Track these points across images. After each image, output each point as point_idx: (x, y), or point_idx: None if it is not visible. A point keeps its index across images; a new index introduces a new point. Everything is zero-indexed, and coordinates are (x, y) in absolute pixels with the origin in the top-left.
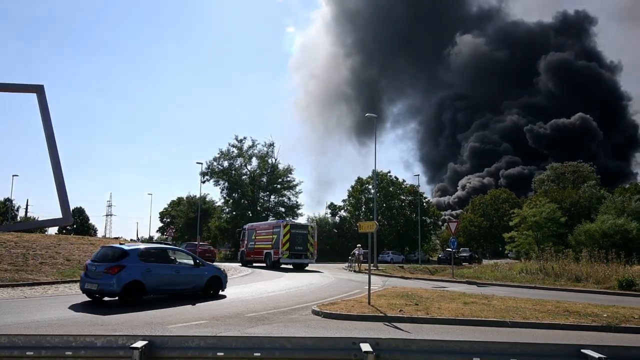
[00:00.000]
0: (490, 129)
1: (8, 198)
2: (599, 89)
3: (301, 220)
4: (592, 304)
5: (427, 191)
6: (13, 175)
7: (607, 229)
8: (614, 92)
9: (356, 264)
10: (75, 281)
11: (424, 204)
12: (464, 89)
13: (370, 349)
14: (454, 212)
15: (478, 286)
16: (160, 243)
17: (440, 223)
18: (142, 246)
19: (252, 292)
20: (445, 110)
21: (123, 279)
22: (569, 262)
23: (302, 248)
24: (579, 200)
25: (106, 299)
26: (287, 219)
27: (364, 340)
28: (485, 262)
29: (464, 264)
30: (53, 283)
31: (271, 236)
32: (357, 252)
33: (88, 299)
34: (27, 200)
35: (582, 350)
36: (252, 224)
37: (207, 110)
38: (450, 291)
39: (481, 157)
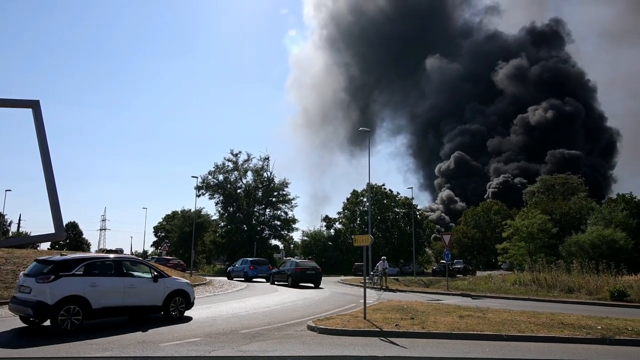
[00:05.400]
0: (465, 136)
1: (0, 213)
2: (565, 85)
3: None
4: (585, 315)
5: (427, 202)
6: (6, 190)
7: (594, 240)
8: (583, 87)
9: (382, 279)
10: None
11: (418, 216)
12: (436, 109)
13: None
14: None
15: (472, 298)
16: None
17: (430, 239)
18: None
19: (247, 308)
20: (426, 129)
21: None
22: (561, 273)
23: None
24: (569, 212)
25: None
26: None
27: (360, 358)
28: (479, 273)
29: (458, 275)
30: None
31: None
32: (380, 266)
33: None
34: (20, 215)
35: None
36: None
37: (202, 126)
38: (445, 304)
39: (464, 162)
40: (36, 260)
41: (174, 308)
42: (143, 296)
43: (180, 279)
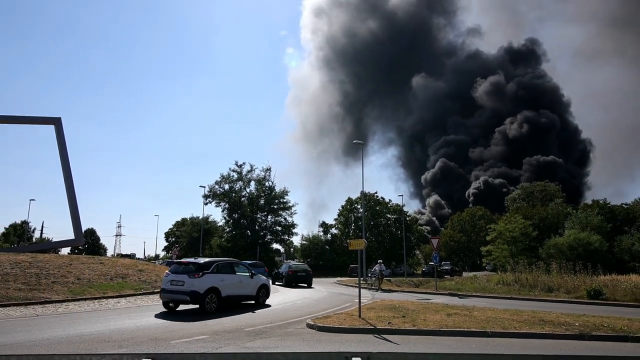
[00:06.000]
0: (450, 148)
1: (25, 220)
2: (541, 99)
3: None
4: (564, 313)
5: (417, 208)
6: (30, 200)
7: (571, 242)
8: (558, 101)
9: (378, 281)
10: (85, 299)
11: (408, 221)
12: (422, 123)
13: None
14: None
15: (459, 298)
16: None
17: (419, 242)
18: None
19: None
20: (412, 142)
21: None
22: (541, 274)
23: None
24: (547, 217)
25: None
26: None
27: (356, 354)
28: (465, 274)
29: (445, 276)
30: (64, 301)
31: None
32: (377, 268)
33: (96, 317)
34: (43, 222)
35: None
36: None
37: (210, 139)
38: (434, 303)
39: (448, 171)
40: (177, 262)
41: (261, 297)
42: (246, 288)
43: (262, 276)
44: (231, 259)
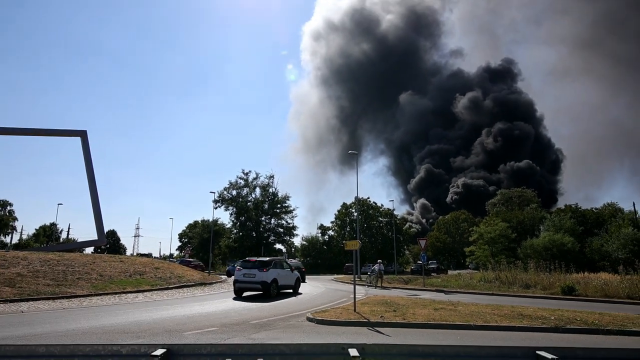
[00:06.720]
0: (434, 157)
1: (53, 222)
2: (515, 112)
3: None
4: (541, 308)
5: (405, 210)
6: (58, 204)
7: (546, 243)
8: (532, 114)
9: (378, 279)
10: (106, 294)
11: (398, 224)
12: (409, 134)
13: (357, 354)
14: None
15: (445, 294)
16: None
17: (408, 243)
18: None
19: (256, 301)
20: (400, 154)
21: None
22: (519, 272)
23: None
24: (524, 220)
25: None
26: None
27: (352, 345)
28: (450, 272)
29: (432, 274)
30: (87, 296)
31: None
32: (377, 267)
33: (116, 310)
34: (69, 224)
35: (537, 352)
36: None
37: (219, 150)
38: (422, 298)
39: (431, 179)
40: (245, 260)
41: (297, 287)
42: (290, 280)
43: (297, 271)
44: (280, 257)
